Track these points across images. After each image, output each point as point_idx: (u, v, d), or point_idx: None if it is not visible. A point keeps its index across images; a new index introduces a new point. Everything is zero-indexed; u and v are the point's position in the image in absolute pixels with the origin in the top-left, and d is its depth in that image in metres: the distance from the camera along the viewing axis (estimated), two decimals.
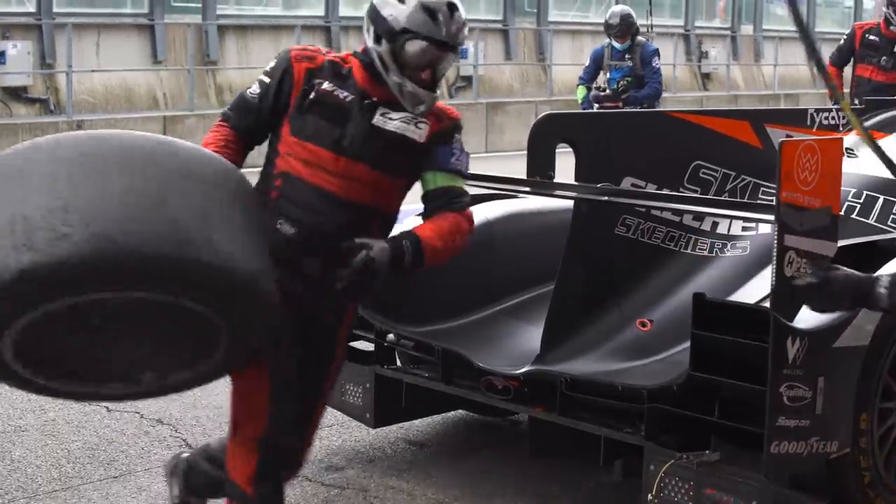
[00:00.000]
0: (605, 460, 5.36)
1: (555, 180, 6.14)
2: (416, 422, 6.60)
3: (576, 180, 6.10)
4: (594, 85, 12.81)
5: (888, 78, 12.03)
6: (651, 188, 6.34)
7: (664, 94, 13.52)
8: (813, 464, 4.96)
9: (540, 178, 6.10)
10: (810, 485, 5.02)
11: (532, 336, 5.96)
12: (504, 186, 6.29)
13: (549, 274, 6.17)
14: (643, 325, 6.04)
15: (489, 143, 21.46)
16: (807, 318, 4.81)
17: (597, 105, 12.46)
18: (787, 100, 28.61)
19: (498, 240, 6.50)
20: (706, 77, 29.42)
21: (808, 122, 7.28)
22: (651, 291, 6.21)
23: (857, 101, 11.63)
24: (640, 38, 12.78)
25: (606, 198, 5.76)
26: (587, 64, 13.08)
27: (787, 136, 7.08)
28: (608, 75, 12.77)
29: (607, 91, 12.59)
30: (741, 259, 6.48)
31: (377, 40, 4.31)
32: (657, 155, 6.46)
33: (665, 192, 6.32)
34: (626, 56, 12.61)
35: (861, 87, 12.07)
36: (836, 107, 7.71)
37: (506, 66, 24.86)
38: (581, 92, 12.94)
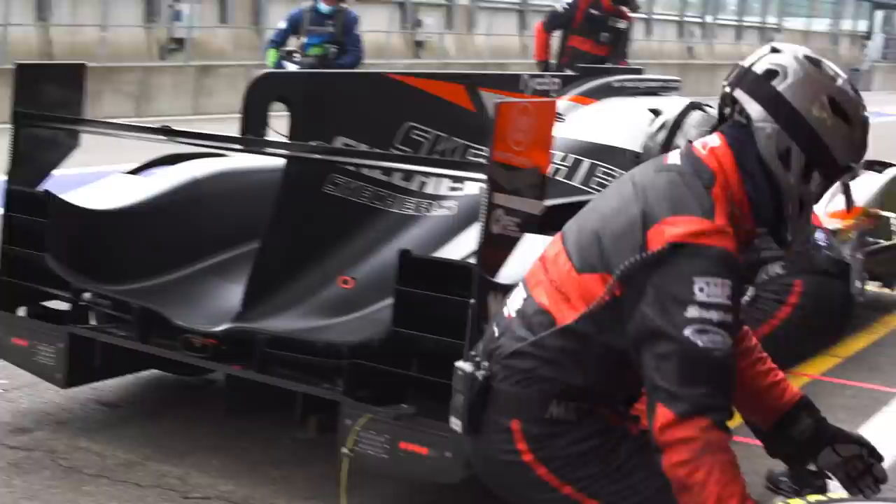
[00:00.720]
0: (303, 416, 5.26)
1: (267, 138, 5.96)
2: (109, 383, 6.33)
3: (289, 139, 5.94)
4: (286, 49, 12.48)
5: (603, 51, 12.16)
6: (363, 148, 6.24)
7: (377, 61, 13.38)
8: None
9: (253, 136, 5.90)
10: None
11: (234, 294, 5.81)
12: (215, 144, 6.08)
13: (256, 232, 6.04)
14: (345, 282, 5.96)
15: (199, 106, 21.13)
16: (509, 274, 4.79)
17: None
18: (498, 69, 28.84)
19: (206, 198, 6.35)
20: (419, 45, 29.56)
21: (521, 87, 7.31)
22: (355, 249, 6.13)
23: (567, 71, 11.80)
24: (343, 4, 12.58)
25: (318, 156, 5.61)
26: (282, 27, 12.75)
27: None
28: (304, 40, 12.45)
29: (300, 56, 12.29)
30: (447, 218, 6.47)
31: (806, 176, 3.22)
32: (370, 115, 6.36)
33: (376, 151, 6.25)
34: (328, 21, 12.40)
35: (574, 60, 12.15)
36: (550, 73, 7.78)
37: (220, 29, 24.49)
38: (272, 56, 12.53)
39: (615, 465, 3.28)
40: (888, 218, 8.31)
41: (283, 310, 5.67)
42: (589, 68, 8.55)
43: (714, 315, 3.02)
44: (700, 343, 3.02)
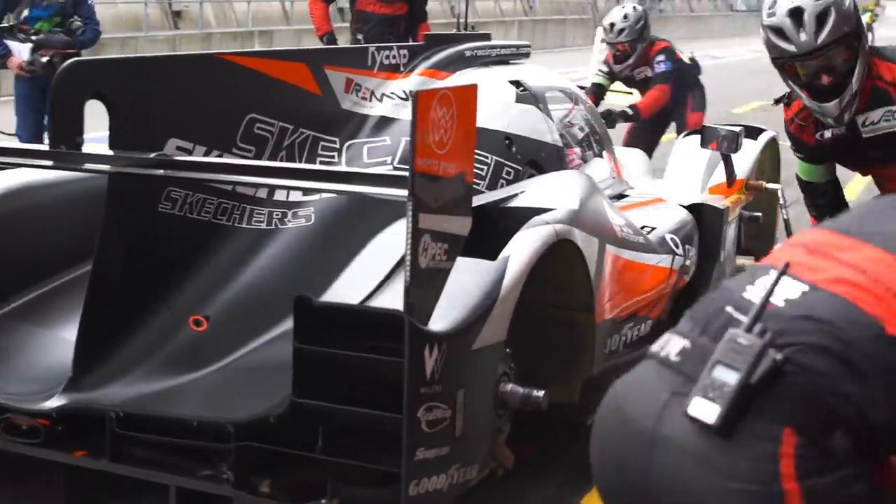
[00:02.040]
0: None
1: (84, 149, 4.66)
2: None
3: (111, 145, 4.66)
4: (4, 26, 10.58)
5: (393, 10, 11.08)
6: (200, 150, 5.01)
7: (136, 34, 11.50)
8: (454, 496, 3.92)
9: (66, 146, 4.57)
10: None
11: (58, 347, 4.57)
12: (18, 160, 4.80)
13: (70, 260, 4.85)
14: (197, 323, 4.77)
15: None
16: (442, 317, 3.71)
17: (28, 55, 10.35)
18: (261, 37, 27.66)
19: None
20: (177, 15, 28.04)
21: (370, 63, 6.16)
22: (205, 280, 4.93)
23: (360, 38, 10.73)
24: None
25: (162, 171, 4.37)
26: None
27: (348, 79, 5.96)
28: (27, 13, 10.60)
29: (25, 34, 10.43)
30: (305, 231, 5.36)
31: None
32: (207, 108, 5.12)
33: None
34: None
35: (366, 24, 11.06)
36: (397, 45, 6.65)
37: None
38: None
39: None
40: (775, 190, 7.40)
41: (127, 368, 4.42)
42: (436, 36, 7.40)
43: None
44: None
